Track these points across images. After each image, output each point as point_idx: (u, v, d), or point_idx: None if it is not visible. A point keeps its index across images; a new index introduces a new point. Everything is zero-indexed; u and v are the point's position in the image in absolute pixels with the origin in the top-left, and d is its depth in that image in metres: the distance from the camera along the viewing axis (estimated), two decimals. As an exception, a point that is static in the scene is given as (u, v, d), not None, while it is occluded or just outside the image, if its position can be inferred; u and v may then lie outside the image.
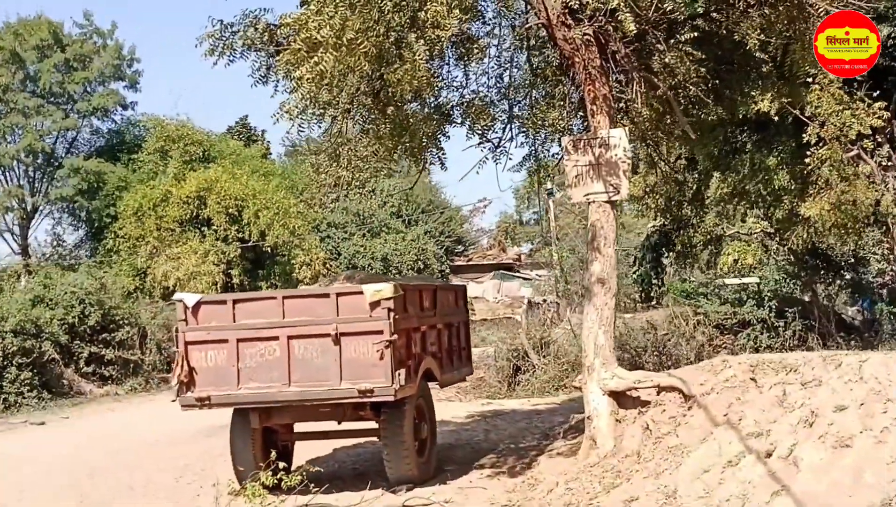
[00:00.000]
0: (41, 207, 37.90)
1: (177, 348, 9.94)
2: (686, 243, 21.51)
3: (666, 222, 21.09)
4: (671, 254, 23.16)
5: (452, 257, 51.17)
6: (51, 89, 35.87)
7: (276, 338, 9.68)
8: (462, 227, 57.40)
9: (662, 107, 10.58)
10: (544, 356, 20.22)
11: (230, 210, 34.76)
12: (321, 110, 9.84)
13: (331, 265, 39.33)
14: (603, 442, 9.29)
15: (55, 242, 38.25)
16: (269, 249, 35.32)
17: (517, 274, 69.31)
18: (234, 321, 9.83)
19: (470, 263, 59.23)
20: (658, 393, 9.19)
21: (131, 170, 37.33)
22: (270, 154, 46.02)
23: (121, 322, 22.54)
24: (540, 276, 68.31)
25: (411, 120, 10.68)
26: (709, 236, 21.28)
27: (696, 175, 18.73)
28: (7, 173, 37.00)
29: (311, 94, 9.12)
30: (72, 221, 39.10)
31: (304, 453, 11.32)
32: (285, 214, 35.47)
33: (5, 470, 12.27)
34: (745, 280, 23.22)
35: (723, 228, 21.62)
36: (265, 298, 10.64)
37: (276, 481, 8.73)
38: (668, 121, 11.03)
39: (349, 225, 42.83)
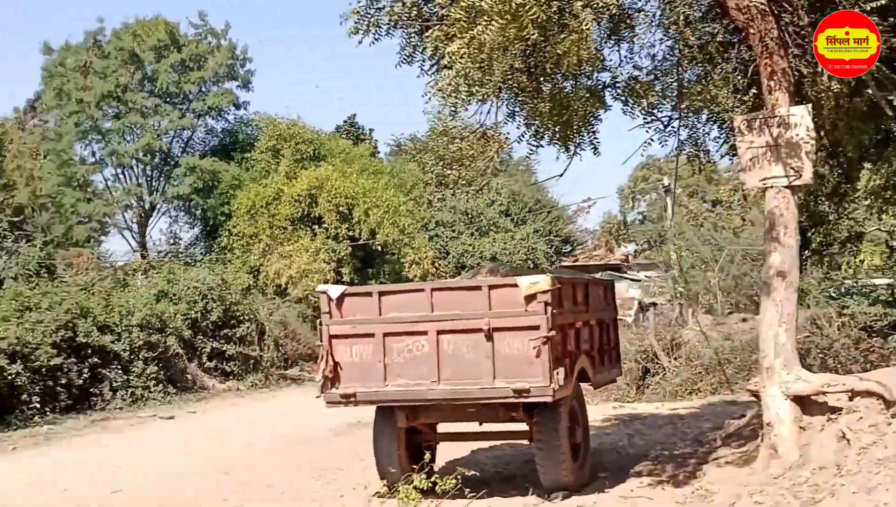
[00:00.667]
0: (158, 205, 38.57)
1: (321, 342, 9.38)
2: (823, 242, 20.24)
3: (802, 219, 19.88)
4: (806, 252, 21.89)
5: (560, 258, 50.14)
6: (167, 89, 36.43)
7: (424, 333, 9.07)
8: (568, 227, 56.25)
9: (844, 83, 9.56)
10: (675, 359, 19.31)
11: (340, 208, 34.73)
12: (474, 89, 9.15)
13: (439, 264, 38.96)
14: (786, 452, 8.42)
15: (172, 240, 38.88)
16: (378, 247, 35.13)
17: (625, 275, 68.01)
18: (381, 314, 9.25)
19: (576, 263, 58.08)
20: (850, 398, 8.26)
21: (244, 168, 37.66)
22: (378, 153, 45.96)
23: (241, 318, 22.51)
24: (649, 277, 66.90)
25: (569, 99, 9.96)
26: (849, 234, 19.96)
27: (839, 167, 17.53)
28: (126, 172, 37.79)
29: (466, 70, 8.44)
30: (187, 219, 39.71)
31: (440, 454, 10.70)
32: (395, 212, 35.28)
33: (146, 466, 12.00)
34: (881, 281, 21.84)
35: (862, 225, 20.30)
36: (413, 290, 9.96)
37: (429, 484, 8.11)
38: (851, 100, 10.03)
39: (457, 224, 42.31)
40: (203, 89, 38.10)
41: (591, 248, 67.32)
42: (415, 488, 8.17)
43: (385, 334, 9.15)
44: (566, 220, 55.88)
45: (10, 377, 16.32)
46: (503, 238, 41.79)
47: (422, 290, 9.48)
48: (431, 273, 36.84)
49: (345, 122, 46.18)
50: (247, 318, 22.66)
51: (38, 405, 16.59)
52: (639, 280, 66.55)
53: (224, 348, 21.78)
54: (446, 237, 41.72)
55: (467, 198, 43.87)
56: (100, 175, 38.23)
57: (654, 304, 55.70)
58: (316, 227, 34.92)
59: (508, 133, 10.76)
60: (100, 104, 35.77)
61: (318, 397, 9.39)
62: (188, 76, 36.87)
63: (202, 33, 38.51)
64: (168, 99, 37.27)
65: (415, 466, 9.01)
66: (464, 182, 43.17)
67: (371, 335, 9.19)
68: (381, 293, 9.44)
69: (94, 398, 18.25)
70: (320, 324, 9.44)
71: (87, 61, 35.93)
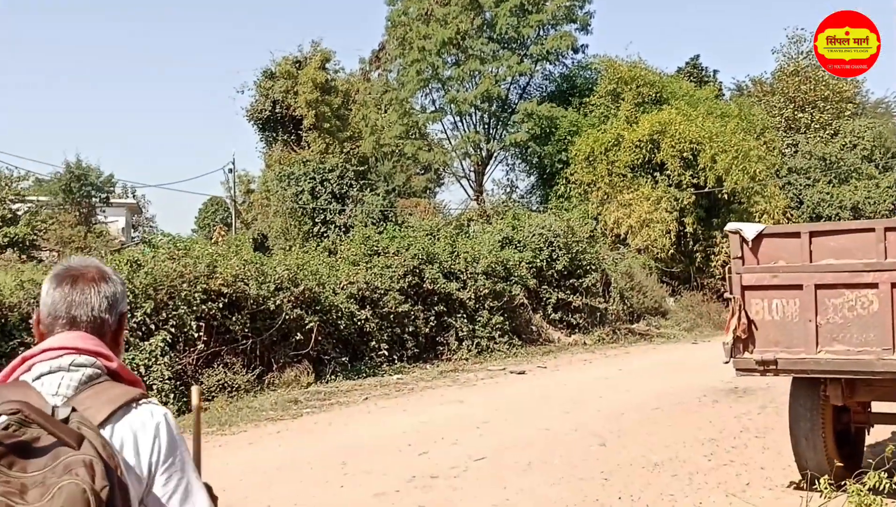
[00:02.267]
0: (495, 153, 38.19)
1: (731, 293, 7.40)
2: None
3: None
4: None
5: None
6: (506, 34, 35.67)
7: (873, 285, 6.81)
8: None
9: None
10: None
11: (684, 154, 32.26)
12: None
13: (791, 215, 35.21)
14: None
15: (509, 188, 38.45)
16: (725, 195, 32.17)
17: None
18: (811, 261, 7.10)
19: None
20: None
21: (582, 114, 36.25)
22: (722, 96, 42.53)
23: (587, 268, 21.06)
24: None
25: None
26: None
27: None
28: (464, 120, 37.68)
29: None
30: (524, 168, 39.07)
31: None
32: (745, 157, 32.09)
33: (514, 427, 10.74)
34: None
35: None
36: (857, 229, 7.55)
37: (892, 485, 5.94)
38: None
39: (812, 170, 38.06)
40: (541, 33, 36.93)
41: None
42: (870, 489, 6.04)
43: (817, 286, 6.99)
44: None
45: (360, 323, 16.06)
46: (866, 186, 37.00)
47: (871, 229, 7.09)
48: (782, 224, 33.34)
49: (687, 63, 43.20)
50: (593, 268, 21.17)
51: (386, 353, 16.21)
52: None
53: (570, 299, 20.45)
54: (800, 185, 37.69)
55: (825, 142, 39.40)
56: (439, 123, 38.47)
57: None
58: (657, 174, 32.77)
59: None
60: (440, 52, 35.76)
61: (726, 361, 7.44)
62: (526, 20, 35.81)
63: (541, -25, 37.30)
64: (506, 44, 36.56)
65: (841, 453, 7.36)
66: (817, 126, 38.57)
67: (798, 287, 7.05)
68: (812, 234, 7.20)
69: (440, 348, 17.67)
70: (729, 272, 7.46)
71: (429, 9, 35.99)
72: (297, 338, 14.60)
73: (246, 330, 13.99)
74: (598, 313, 21.10)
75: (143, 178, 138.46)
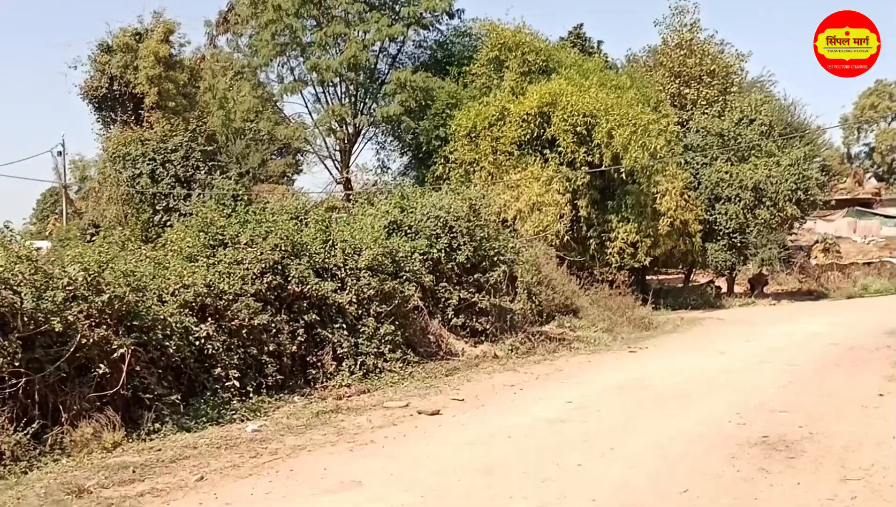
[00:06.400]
0: (364, 130, 33.59)
1: None
2: None
3: None
4: None
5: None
6: (373, -8, 31.23)
7: None
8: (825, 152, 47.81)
9: None
10: None
11: (578, 129, 28.62)
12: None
13: (689, 196, 32.16)
14: None
15: (379, 169, 33.99)
16: (623, 175, 28.68)
17: (876, 212, 58.68)
18: None
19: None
20: None
21: (462, 85, 32.15)
22: (611, 68, 39.26)
23: (495, 259, 16.69)
24: (907, 214, 57.39)
25: None
26: None
27: None
28: (328, 91, 32.91)
29: None
30: (397, 146, 34.65)
31: None
32: (644, 132, 28.63)
33: None
34: None
35: None
36: None
37: None
38: None
39: (710, 148, 35.17)
40: (413, -8, 32.56)
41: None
42: None
43: None
44: (823, 145, 47.57)
45: (198, 343, 11.26)
46: (766, 164, 34.37)
47: None
48: (680, 207, 30.21)
49: (570, 32, 39.69)
50: (501, 259, 16.84)
51: (236, 384, 11.39)
52: (893, 217, 57.28)
53: (474, 299, 16.06)
54: (696, 164, 34.73)
55: (719, 117, 36.68)
56: (299, 95, 33.59)
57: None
58: (548, 151, 28.97)
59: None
60: (299, 12, 30.92)
61: None
62: (396, -24, 31.44)
63: (411, -73, 32.88)
64: (374, 5, 32.00)
65: None
66: (704, 102, 34.43)
67: None
68: None
69: (313, 371, 12.95)
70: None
71: (286, -39, 31.07)
72: (101, 371, 9.69)
73: (15, 364, 9.04)
74: (509, 316, 16.83)
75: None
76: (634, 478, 7.11)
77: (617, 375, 13.34)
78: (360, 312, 13.73)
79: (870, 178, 68.96)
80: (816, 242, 47.07)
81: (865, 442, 8.09)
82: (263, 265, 12.80)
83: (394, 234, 15.79)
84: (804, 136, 39.72)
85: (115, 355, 9.83)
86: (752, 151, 35.09)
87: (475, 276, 16.36)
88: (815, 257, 45.30)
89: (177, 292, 11.61)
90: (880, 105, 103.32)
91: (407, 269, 14.96)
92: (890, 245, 48.68)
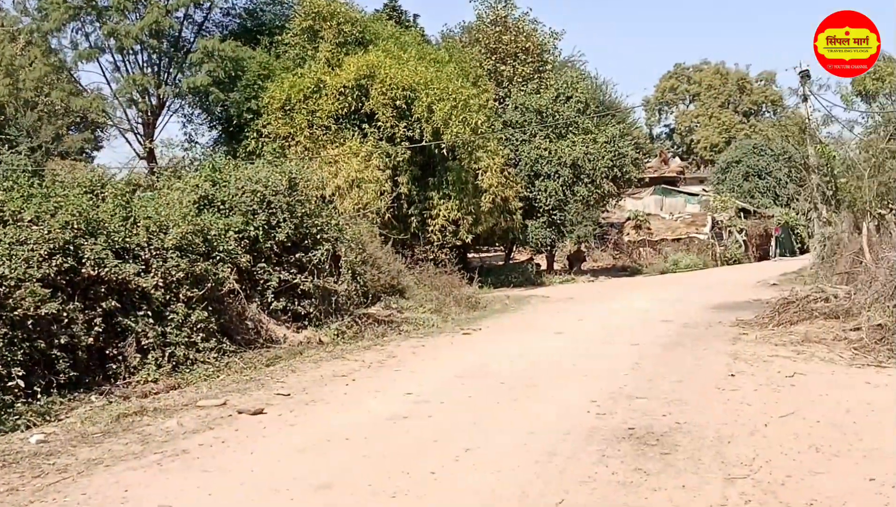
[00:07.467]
0: (169, 101, 31.26)
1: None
2: None
3: None
4: None
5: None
6: (177, -47, 28.97)
7: None
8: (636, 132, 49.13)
9: None
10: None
11: (397, 102, 27.71)
12: None
13: (509, 173, 31.99)
14: None
15: (186, 143, 31.73)
16: (444, 151, 28.07)
17: (681, 190, 61.25)
18: None
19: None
20: None
21: (275, 56, 30.46)
22: (428, 42, 38.53)
23: (318, 237, 15.44)
24: (707, 191, 60.22)
25: None
26: None
27: None
28: (128, 60, 30.37)
29: None
30: (205, 119, 32.48)
31: None
32: (465, 107, 28.11)
33: None
34: None
35: None
36: None
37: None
38: None
39: (529, 125, 35.13)
40: (219, -46, 30.58)
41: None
42: None
43: None
44: (633, 124, 48.88)
45: (-27, 338, 9.51)
46: (583, 141, 34.69)
47: None
48: (501, 183, 29.98)
49: (386, 5, 38.60)
50: (325, 237, 15.61)
51: (20, 384, 9.72)
52: (696, 194, 60.03)
53: (296, 281, 14.79)
54: (516, 141, 34.60)
55: (538, 94, 36.70)
56: (96, 64, 30.82)
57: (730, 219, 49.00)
58: (366, 126, 27.89)
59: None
60: (94, -30, 28.32)
61: None
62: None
63: None
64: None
65: None
66: (520, 79, 34.17)
67: None
68: None
69: (114, 365, 11.37)
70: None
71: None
72: None
73: None
74: (334, 298, 15.65)
75: None
76: (500, 487, 6.11)
77: (455, 362, 12.45)
78: (167, 297, 12.19)
79: (673, 157, 72.07)
80: (628, 219, 48.45)
81: (737, 431, 7.55)
82: (52, 246, 11.05)
83: (205, 210, 14.25)
84: (616, 114, 40.55)
85: None
86: (570, 128, 35.33)
87: (297, 255, 15.07)
88: (628, 234, 46.62)
89: (-57, 278, 9.77)
90: (679, 88, 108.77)
91: (221, 248, 13.50)
92: (696, 221, 50.81)
